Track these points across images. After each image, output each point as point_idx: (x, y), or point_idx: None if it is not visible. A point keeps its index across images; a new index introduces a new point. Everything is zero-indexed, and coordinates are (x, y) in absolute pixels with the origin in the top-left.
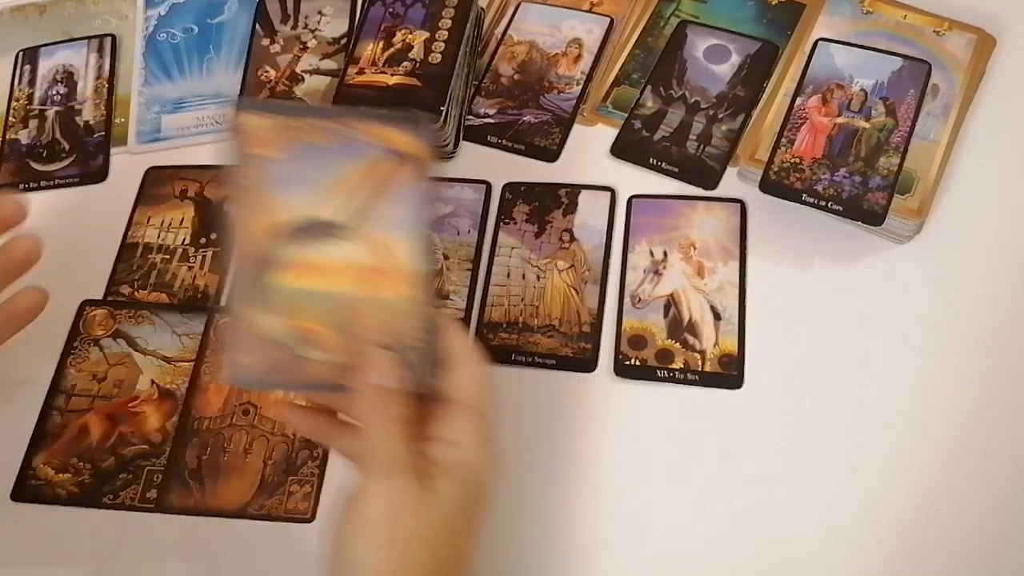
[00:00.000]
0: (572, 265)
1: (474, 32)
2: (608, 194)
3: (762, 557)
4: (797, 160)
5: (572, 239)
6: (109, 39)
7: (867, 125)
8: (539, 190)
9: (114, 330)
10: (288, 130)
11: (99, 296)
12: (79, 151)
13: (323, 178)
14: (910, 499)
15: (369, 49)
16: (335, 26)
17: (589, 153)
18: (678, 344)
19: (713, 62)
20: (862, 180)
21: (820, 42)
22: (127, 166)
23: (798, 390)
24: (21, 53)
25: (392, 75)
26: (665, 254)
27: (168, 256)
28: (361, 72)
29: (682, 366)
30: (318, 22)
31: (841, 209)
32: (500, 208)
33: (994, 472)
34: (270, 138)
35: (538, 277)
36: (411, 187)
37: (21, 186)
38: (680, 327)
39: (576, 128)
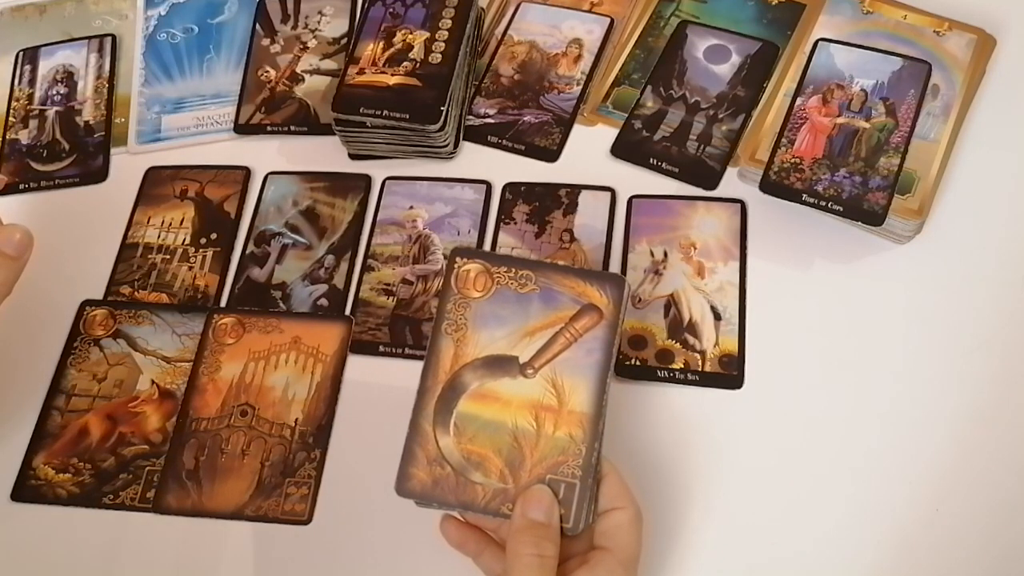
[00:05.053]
0: None
1: (474, 32)
2: (608, 194)
3: (762, 557)
4: (797, 160)
5: (572, 239)
6: (109, 39)
7: (867, 125)
8: (539, 190)
9: (114, 330)
10: (491, 275)
11: (99, 296)
12: (79, 151)
13: (517, 320)
14: (910, 499)
15: (369, 49)
16: (335, 26)
17: (589, 153)
18: (678, 344)
19: (713, 62)
20: (862, 180)
21: (820, 42)
22: (127, 166)
23: (798, 390)
24: (21, 53)
25: (392, 75)
26: (665, 254)
27: (168, 256)
28: (361, 72)
29: (682, 366)
30: (318, 22)
31: (841, 209)
32: (500, 208)
33: (994, 472)
34: (475, 280)
35: None
36: (595, 337)
37: (21, 186)
38: (680, 327)
39: (576, 128)
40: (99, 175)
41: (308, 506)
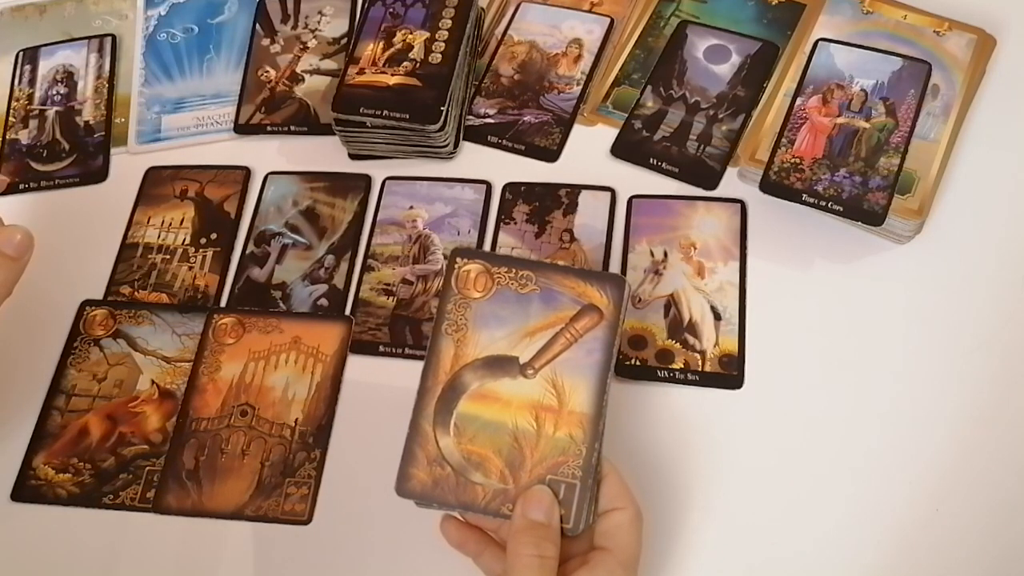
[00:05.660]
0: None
1: (474, 32)
2: (608, 194)
3: (762, 557)
4: (797, 160)
5: (572, 239)
6: (109, 39)
7: (867, 125)
8: (539, 190)
9: (114, 330)
10: (491, 275)
11: (99, 296)
12: (79, 151)
13: (517, 320)
14: (910, 499)
15: (369, 49)
16: (335, 26)
17: (589, 153)
18: (678, 344)
19: (713, 62)
20: (862, 180)
21: (820, 42)
22: (127, 166)
23: (798, 390)
24: (21, 53)
25: (392, 75)
26: (665, 254)
27: (168, 256)
28: (361, 72)
29: (682, 366)
30: (318, 22)
31: (841, 209)
32: (500, 208)
33: (994, 472)
34: (475, 280)
35: None
36: (595, 337)
37: (21, 186)
38: (680, 327)
39: (576, 128)
40: (99, 175)
41: (308, 506)
